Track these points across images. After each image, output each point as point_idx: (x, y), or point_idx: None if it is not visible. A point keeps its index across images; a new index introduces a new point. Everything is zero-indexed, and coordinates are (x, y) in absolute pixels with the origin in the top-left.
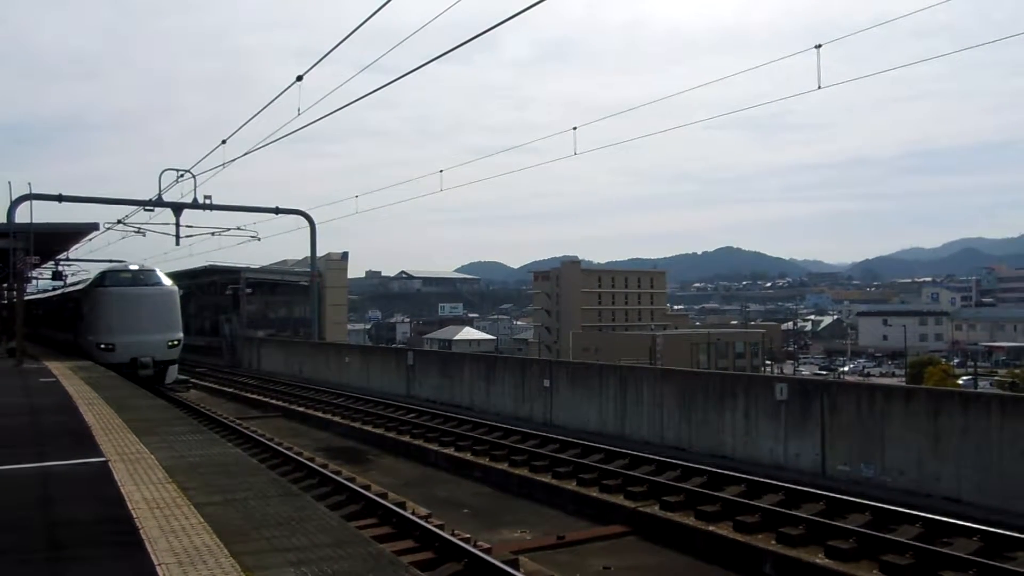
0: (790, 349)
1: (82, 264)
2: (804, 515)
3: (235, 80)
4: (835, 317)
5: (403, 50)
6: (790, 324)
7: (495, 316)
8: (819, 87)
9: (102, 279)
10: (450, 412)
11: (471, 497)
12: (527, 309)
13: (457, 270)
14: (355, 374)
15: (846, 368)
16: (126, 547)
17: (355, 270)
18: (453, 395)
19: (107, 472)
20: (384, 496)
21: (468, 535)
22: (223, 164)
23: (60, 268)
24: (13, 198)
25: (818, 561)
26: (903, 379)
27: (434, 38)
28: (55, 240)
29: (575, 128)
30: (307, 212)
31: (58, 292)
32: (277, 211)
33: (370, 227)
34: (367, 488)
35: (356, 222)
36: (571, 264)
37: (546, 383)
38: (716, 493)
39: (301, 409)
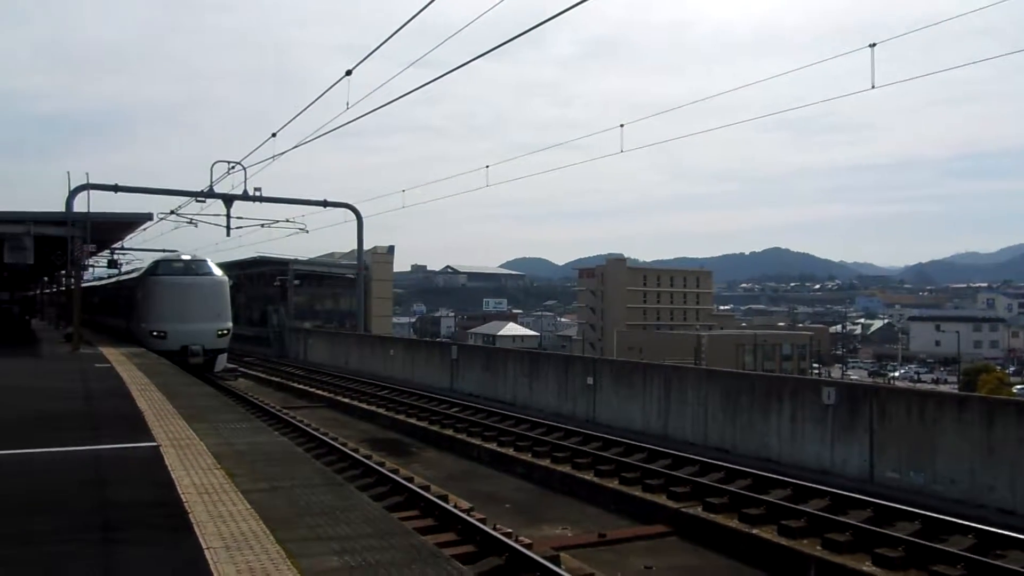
0: (838, 353)
1: (136, 253)
2: (851, 521)
3: (285, 75)
4: (886, 321)
5: (449, 46)
6: (839, 327)
7: (539, 312)
8: (872, 87)
9: (155, 268)
10: (493, 407)
11: (513, 492)
12: (571, 306)
13: (502, 266)
14: (399, 367)
15: (896, 373)
16: (176, 531)
17: (401, 264)
18: (496, 390)
19: (158, 457)
20: (426, 489)
21: (510, 530)
22: (273, 157)
23: (115, 257)
24: (71, 188)
25: (865, 568)
26: (955, 386)
27: (480, 34)
28: (111, 229)
29: (622, 125)
30: (354, 205)
31: (113, 280)
32: (325, 204)
33: (416, 221)
34: (410, 480)
35: (402, 216)
36: (616, 261)
37: (589, 381)
38: (760, 496)
39: (346, 400)
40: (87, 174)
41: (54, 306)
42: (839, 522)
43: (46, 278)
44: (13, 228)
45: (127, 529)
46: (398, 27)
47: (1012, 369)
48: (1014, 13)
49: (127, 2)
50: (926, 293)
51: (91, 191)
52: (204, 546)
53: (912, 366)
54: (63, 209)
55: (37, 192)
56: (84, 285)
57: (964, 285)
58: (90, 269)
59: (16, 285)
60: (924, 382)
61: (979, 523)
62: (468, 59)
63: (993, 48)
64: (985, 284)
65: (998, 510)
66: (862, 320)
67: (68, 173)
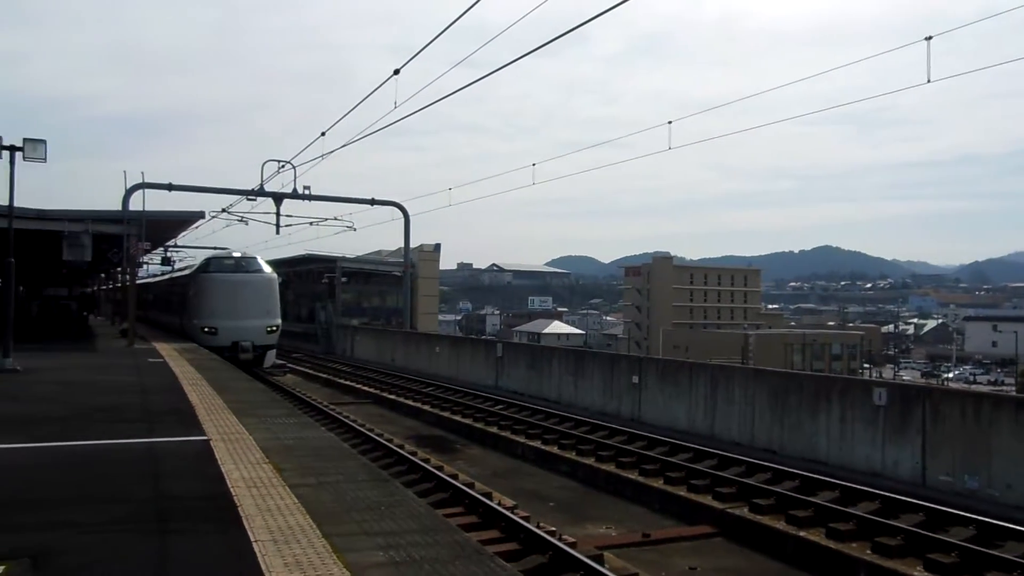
0: (890, 353)
1: (189, 251)
2: (902, 525)
3: (332, 75)
4: (940, 321)
5: (495, 45)
6: (891, 327)
7: (584, 311)
8: (928, 80)
9: (207, 265)
10: (537, 405)
11: (557, 491)
12: (617, 304)
13: (548, 264)
14: (445, 364)
15: (951, 375)
16: (225, 523)
17: (447, 262)
18: (541, 388)
19: (209, 450)
20: (471, 486)
21: (553, 528)
22: (322, 156)
23: (168, 254)
24: (127, 187)
25: (916, 574)
26: (1013, 388)
27: (526, 33)
28: (165, 227)
29: (670, 123)
30: (401, 204)
31: (166, 277)
32: (373, 202)
33: (462, 220)
34: (454, 477)
35: (449, 214)
36: (663, 260)
37: (635, 379)
38: (808, 498)
39: (392, 397)
40: (142, 173)
41: (110, 302)
42: (890, 526)
43: (103, 275)
44: (72, 226)
45: (179, 520)
46: (445, 27)
47: None
48: None
49: (189, 5)
50: (982, 292)
51: (146, 190)
52: (252, 539)
53: (967, 367)
54: (118, 207)
55: (98, 191)
56: (139, 282)
57: (1022, 284)
58: (145, 266)
59: (74, 282)
60: (980, 383)
61: None
62: (514, 58)
63: None
64: None
65: None
66: (915, 320)
67: (124, 172)
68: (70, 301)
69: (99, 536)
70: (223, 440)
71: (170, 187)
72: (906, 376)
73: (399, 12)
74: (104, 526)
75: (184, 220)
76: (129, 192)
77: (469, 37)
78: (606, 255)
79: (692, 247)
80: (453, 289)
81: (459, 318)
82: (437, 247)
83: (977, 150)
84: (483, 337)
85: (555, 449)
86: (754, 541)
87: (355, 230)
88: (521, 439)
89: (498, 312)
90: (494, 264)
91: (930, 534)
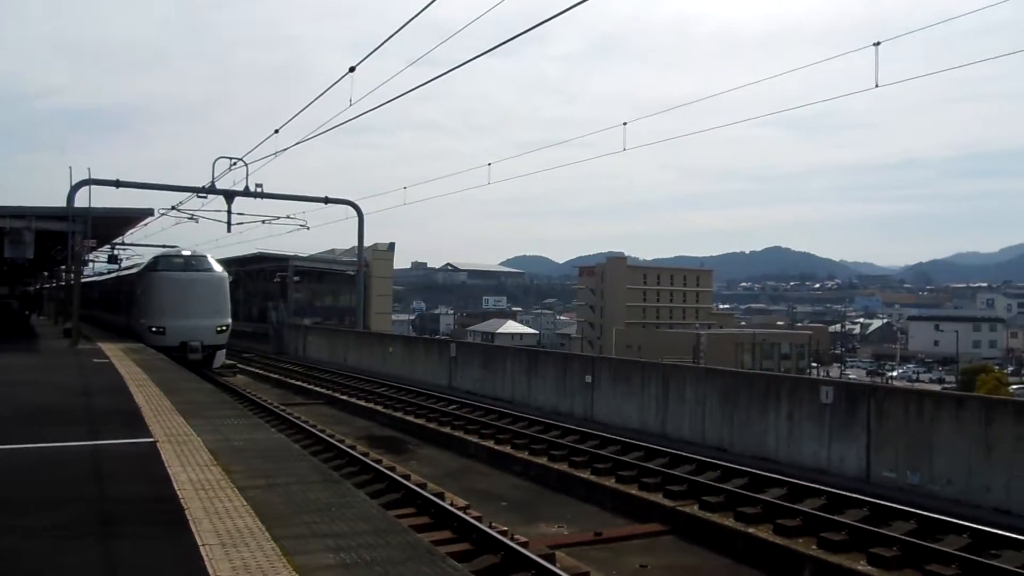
0: (837, 352)
1: (137, 249)
2: (847, 520)
3: (287, 71)
4: (885, 321)
5: (452, 44)
6: (838, 326)
7: (539, 310)
8: (876, 85)
9: (155, 264)
10: (491, 405)
11: (510, 490)
12: (571, 304)
13: (502, 263)
14: (398, 364)
15: (895, 373)
16: (172, 526)
17: (401, 261)
18: (494, 388)
19: (155, 452)
20: (423, 486)
21: (506, 528)
22: (275, 153)
23: (115, 252)
24: (73, 183)
25: (860, 568)
26: (954, 386)
27: (483, 32)
28: (111, 224)
29: (625, 124)
30: (355, 202)
31: (113, 276)
32: (327, 201)
33: (417, 219)
34: (407, 478)
35: (403, 213)
36: (616, 260)
37: (588, 379)
38: (757, 495)
39: (344, 397)
40: (89, 169)
41: (54, 301)
42: (835, 521)
43: (47, 273)
44: (14, 223)
45: (123, 524)
46: (402, 24)
47: (1011, 369)
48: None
49: (147, 2)
50: (926, 293)
51: (93, 186)
52: (200, 542)
53: (911, 366)
54: (63, 204)
55: (49, 186)
56: (84, 280)
57: (964, 285)
58: (90, 264)
59: (16, 280)
60: (922, 382)
61: (975, 523)
62: (471, 56)
63: (995, 47)
64: (985, 284)
65: (994, 510)
66: (861, 320)
67: (70, 168)
68: (11, 300)
69: (42, 541)
70: (170, 442)
71: (118, 184)
72: (852, 375)
73: (357, 8)
74: (47, 531)
75: (132, 217)
76: (75, 188)
77: (427, 35)
78: (561, 255)
79: (646, 247)
80: (407, 288)
81: (413, 318)
82: (391, 246)
83: (922, 154)
84: (437, 337)
85: (508, 449)
86: (704, 538)
87: (308, 229)
88: (474, 439)
89: (452, 312)
90: (448, 263)
91: (873, 529)
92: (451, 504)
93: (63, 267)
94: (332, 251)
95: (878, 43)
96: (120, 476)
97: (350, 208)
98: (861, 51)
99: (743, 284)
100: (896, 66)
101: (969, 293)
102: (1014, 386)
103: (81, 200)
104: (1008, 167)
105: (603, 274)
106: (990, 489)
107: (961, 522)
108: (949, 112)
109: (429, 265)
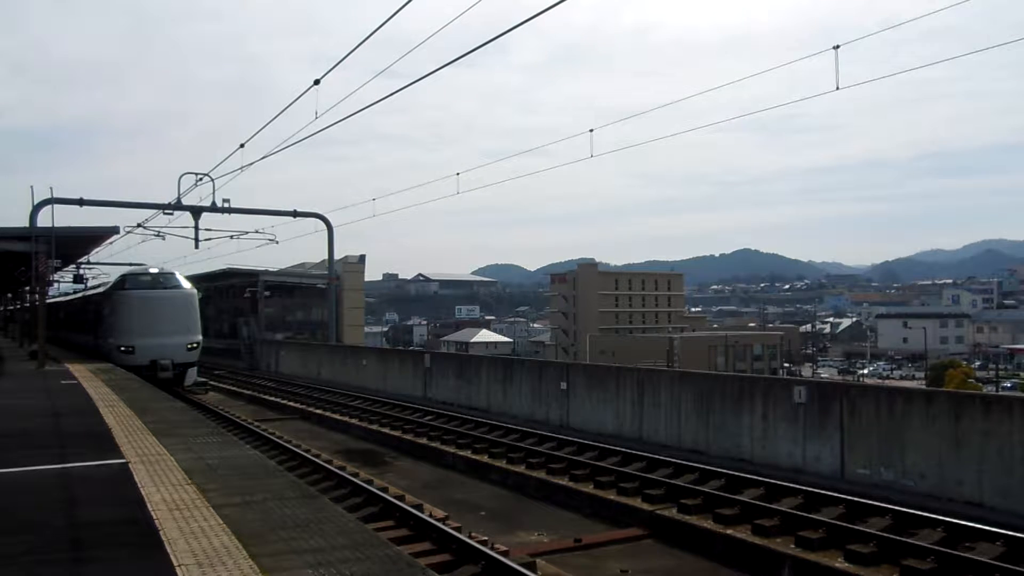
0: (808, 352)
1: (103, 268)
2: (823, 518)
3: (250, 85)
4: (854, 319)
5: (416, 55)
6: (808, 326)
7: (512, 319)
8: (837, 88)
9: (122, 282)
10: (467, 414)
11: (488, 499)
12: (544, 312)
13: (474, 273)
14: (372, 377)
15: (865, 371)
16: (146, 548)
17: (372, 273)
18: (470, 397)
19: (127, 474)
20: (401, 498)
21: (485, 537)
22: (241, 168)
23: (81, 272)
24: (35, 202)
25: (838, 565)
26: (923, 382)
27: (447, 43)
28: (76, 244)
29: (591, 131)
30: (325, 215)
31: (79, 295)
32: (295, 214)
33: (387, 230)
34: (384, 490)
35: (373, 225)
36: (588, 266)
37: (563, 386)
38: (734, 496)
39: (319, 411)
40: (51, 188)
41: (18, 323)
42: (812, 519)
43: (10, 295)
44: None
45: (96, 548)
46: (365, 37)
47: (977, 364)
48: (974, 14)
49: (96, 15)
50: (893, 291)
51: (56, 205)
52: (175, 563)
53: (881, 363)
54: (25, 224)
55: (5, 208)
56: (49, 301)
57: (929, 282)
58: (55, 285)
59: None
60: (892, 379)
61: (948, 516)
62: (434, 68)
63: (954, 48)
64: (950, 280)
65: (966, 503)
66: (831, 319)
67: (32, 187)
68: None
69: (11, 569)
70: (143, 462)
71: (81, 202)
72: (824, 374)
73: (318, 23)
74: (15, 558)
75: (97, 236)
76: (37, 208)
77: (390, 47)
78: (532, 263)
79: (616, 253)
80: (379, 300)
81: (386, 329)
82: (362, 258)
83: (884, 154)
84: (411, 348)
85: (485, 458)
86: (683, 541)
87: (277, 243)
88: (451, 449)
89: (425, 322)
90: (420, 274)
91: (850, 526)
92: (430, 515)
93: (27, 288)
94: (302, 265)
95: (837, 47)
96: (91, 499)
97: (319, 221)
98: (823, 54)
99: (714, 287)
100: (855, 68)
101: (935, 290)
102: (1007, 382)
103: (44, 220)
104: (969, 166)
105: (575, 281)
106: (962, 483)
107: (935, 516)
108: (909, 113)
109: (401, 276)
